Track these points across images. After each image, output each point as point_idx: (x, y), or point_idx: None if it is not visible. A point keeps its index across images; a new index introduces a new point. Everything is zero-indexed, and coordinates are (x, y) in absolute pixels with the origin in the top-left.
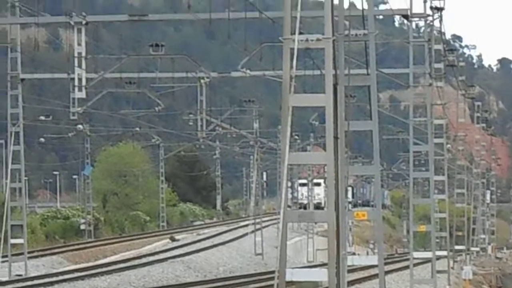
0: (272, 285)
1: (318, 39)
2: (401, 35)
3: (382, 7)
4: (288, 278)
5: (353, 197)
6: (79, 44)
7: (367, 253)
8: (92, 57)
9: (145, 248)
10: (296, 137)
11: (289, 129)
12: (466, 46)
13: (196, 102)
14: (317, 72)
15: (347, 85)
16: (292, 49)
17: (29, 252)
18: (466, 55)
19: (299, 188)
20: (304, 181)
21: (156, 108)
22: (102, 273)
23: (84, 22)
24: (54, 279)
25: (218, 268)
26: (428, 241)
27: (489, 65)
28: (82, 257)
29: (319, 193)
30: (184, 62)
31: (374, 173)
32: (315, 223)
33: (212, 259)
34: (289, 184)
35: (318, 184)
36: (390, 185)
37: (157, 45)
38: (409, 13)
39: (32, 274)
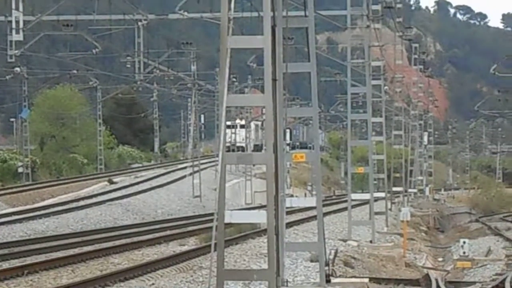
0: (211, 227)
1: None
2: None
3: None
4: (227, 220)
5: (291, 139)
6: None
7: (305, 195)
8: None
9: (83, 191)
10: (234, 79)
11: (227, 71)
12: None
13: (134, 45)
14: (255, 14)
15: (285, 27)
16: None
17: None
18: None
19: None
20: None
21: (94, 51)
22: (40, 216)
23: None
24: None
25: (157, 210)
26: (366, 183)
27: (426, 7)
28: (19, 200)
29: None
30: (121, 4)
31: (312, 115)
32: (253, 165)
33: (150, 202)
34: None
35: (229, 127)
36: (328, 127)
37: None
38: None
39: None
